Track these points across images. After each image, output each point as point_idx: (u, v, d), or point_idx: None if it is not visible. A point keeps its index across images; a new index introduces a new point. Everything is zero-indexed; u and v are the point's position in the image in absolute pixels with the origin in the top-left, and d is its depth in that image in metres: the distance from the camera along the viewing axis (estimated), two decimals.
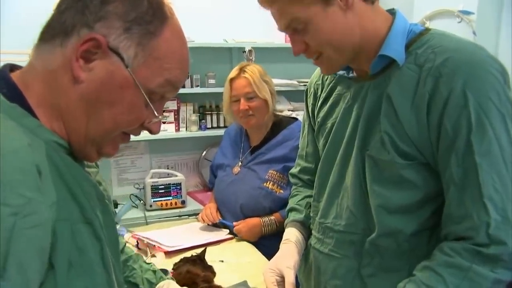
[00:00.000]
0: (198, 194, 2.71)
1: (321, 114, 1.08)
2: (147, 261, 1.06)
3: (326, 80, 1.09)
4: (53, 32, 0.60)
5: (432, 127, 0.85)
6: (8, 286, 0.45)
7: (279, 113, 2.02)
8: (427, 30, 0.91)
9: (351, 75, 1.01)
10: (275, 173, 1.78)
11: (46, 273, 0.52)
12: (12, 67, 0.64)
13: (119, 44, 0.60)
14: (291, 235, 1.14)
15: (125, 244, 1.14)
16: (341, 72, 1.02)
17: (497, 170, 0.80)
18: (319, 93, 1.11)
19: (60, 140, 0.60)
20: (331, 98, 1.05)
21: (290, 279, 1.01)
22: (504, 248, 0.80)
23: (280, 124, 1.88)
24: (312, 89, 1.14)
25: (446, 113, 0.82)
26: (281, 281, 1.02)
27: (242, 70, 1.84)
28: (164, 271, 1.21)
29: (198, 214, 2.05)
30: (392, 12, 0.94)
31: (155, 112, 0.65)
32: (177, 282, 1.17)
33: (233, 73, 1.87)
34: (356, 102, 0.97)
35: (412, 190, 0.90)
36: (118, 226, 1.94)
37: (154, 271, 0.96)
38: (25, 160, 0.51)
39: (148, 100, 0.63)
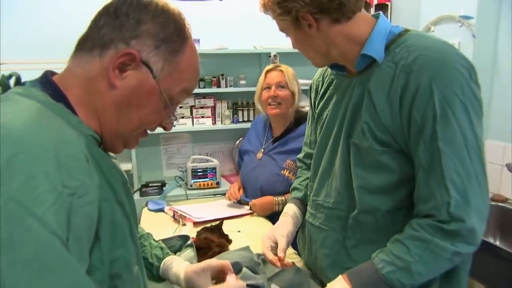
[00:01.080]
0: (231, 177, 2.76)
1: (320, 106, 1.09)
2: (176, 231, 1.06)
3: (326, 77, 1.09)
4: (92, 44, 0.62)
5: (403, 117, 0.84)
6: (71, 255, 0.47)
7: (302, 109, 2.01)
8: (406, 31, 0.89)
9: (344, 72, 1.01)
10: (292, 162, 1.77)
11: (93, 243, 0.55)
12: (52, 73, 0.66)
13: (149, 59, 0.62)
14: (289, 210, 1.16)
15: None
16: (335, 70, 1.02)
17: (459, 156, 0.78)
18: (319, 88, 1.11)
19: (95, 135, 0.62)
20: (328, 92, 1.06)
21: (282, 245, 1.03)
22: (462, 225, 0.78)
23: (300, 119, 1.86)
24: (314, 85, 1.15)
25: (414, 105, 0.81)
26: (275, 247, 1.04)
27: (277, 65, 1.87)
28: (186, 237, 1.27)
29: None
30: (376, 16, 0.93)
31: (174, 114, 0.69)
32: (196, 247, 1.22)
33: (270, 66, 1.89)
34: (345, 96, 0.97)
35: (388, 174, 0.89)
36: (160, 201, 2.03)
37: (162, 248, 0.99)
38: (77, 149, 0.54)
39: (169, 105, 0.66)
